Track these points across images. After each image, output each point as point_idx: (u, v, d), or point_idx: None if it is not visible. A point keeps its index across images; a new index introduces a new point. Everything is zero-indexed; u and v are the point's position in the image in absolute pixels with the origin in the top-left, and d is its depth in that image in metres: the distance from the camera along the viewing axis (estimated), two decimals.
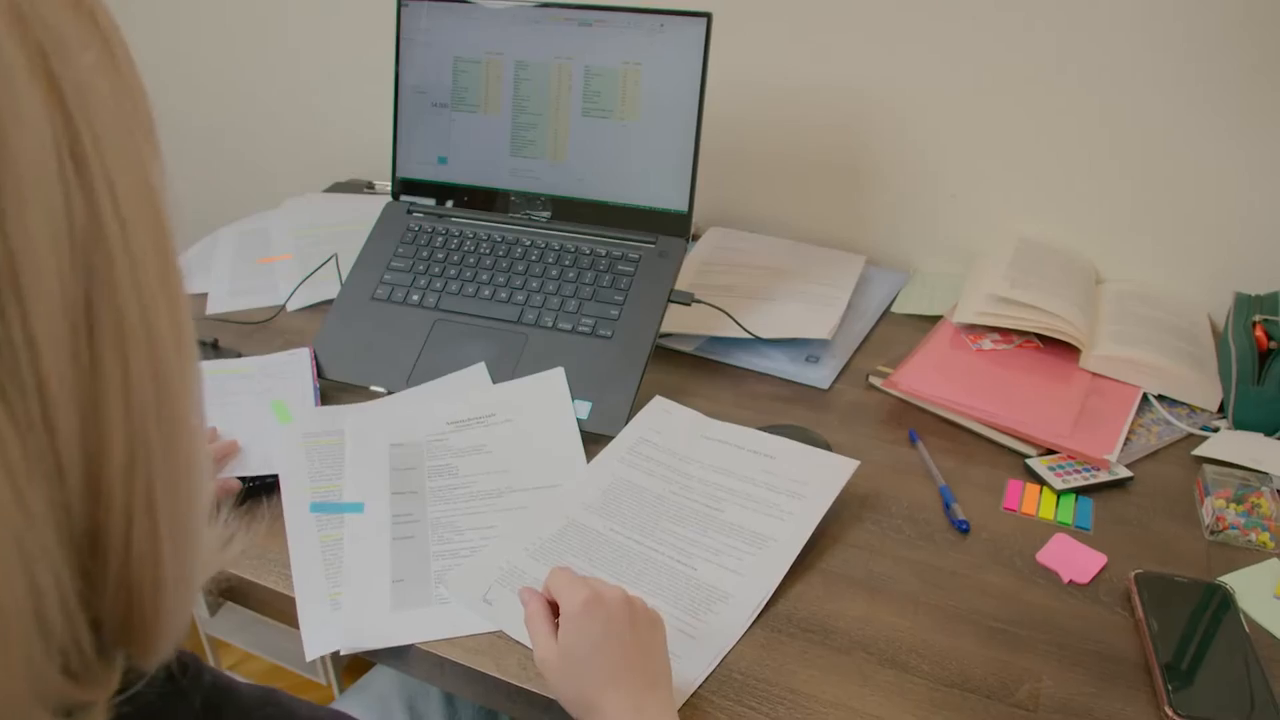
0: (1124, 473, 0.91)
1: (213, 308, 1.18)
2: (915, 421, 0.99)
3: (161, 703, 0.38)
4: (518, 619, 0.72)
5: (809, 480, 0.85)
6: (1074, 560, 0.81)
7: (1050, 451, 0.93)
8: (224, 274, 1.25)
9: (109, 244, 0.29)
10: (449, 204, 1.16)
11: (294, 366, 1.03)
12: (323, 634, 0.75)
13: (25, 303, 0.26)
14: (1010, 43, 1.11)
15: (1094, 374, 1.03)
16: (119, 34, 0.32)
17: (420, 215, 1.16)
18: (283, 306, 1.18)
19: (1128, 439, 0.95)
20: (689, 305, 1.05)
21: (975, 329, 1.09)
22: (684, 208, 1.07)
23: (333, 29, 1.53)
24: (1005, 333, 1.08)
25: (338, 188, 1.55)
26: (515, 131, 1.11)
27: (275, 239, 1.32)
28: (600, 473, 0.89)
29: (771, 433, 0.92)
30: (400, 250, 1.13)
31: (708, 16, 1.02)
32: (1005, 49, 1.12)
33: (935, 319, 1.15)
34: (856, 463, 0.86)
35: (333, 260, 1.22)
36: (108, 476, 0.30)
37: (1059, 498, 0.88)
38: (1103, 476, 0.90)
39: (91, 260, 0.28)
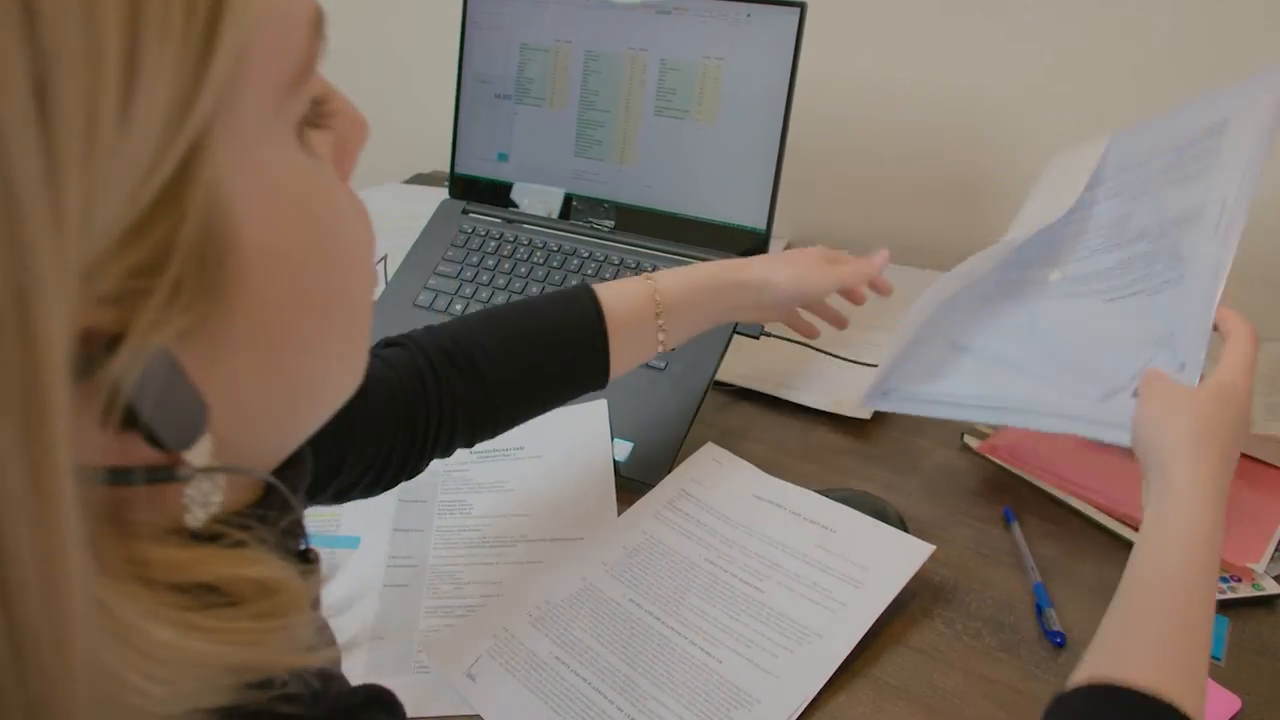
0: (1273, 587, 0.73)
1: None
2: (1014, 496, 0.83)
3: None
4: (503, 702, 0.63)
5: (870, 564, 0.71)
6: None
7: None
8: None
9: None
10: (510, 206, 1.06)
11: None
12: None
13: None
14: (1167, 47, 0.93)
15: (1242, 456, 0.85)
16: None
17: (475, 215, 1.07)
18: None
19: None
20: (757, 339, 0.92)
21: None
22: (762, 225, 0.94)
23: (433, 11, 1.46)
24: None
25: (419, 179, 1.48)
26: (581, 129, 1.01)
27: None
28: (630, 529, 0.77)
29: (834, 498, 0.78)
30: (449, 254, 1.04)
31: (801, 6, 0.88)
32: (1158, 54, 0.94)
33: None
34: (930, 548, 0.72)
35: (381, 262, 1.14)
36: None
37: None
38: (1244, 590, 0.73)
39: None
